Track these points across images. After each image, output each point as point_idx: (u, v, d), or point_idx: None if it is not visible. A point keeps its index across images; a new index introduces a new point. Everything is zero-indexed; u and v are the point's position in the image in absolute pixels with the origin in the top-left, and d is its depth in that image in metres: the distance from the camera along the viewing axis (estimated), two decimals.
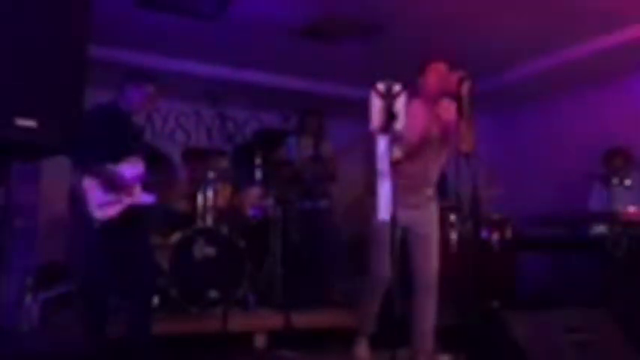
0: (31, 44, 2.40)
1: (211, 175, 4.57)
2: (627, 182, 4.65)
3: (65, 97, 2.49)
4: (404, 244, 3.47)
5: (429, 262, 3.43)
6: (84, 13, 2.60)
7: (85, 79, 2.58)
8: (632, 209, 4.65)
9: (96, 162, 3.23)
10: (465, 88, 3.17)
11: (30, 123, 2.35)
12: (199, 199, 4.56)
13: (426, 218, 3.49)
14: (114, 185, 3.21)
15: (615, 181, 4.64)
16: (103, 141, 3.26)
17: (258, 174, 4.91)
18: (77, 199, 3.20)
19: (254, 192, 4.96)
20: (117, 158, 3.31)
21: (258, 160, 4.93)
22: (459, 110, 3.21)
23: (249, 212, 4.93)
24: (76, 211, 3.26)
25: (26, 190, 4.08)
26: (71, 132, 2.54)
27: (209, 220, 4.52)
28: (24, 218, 4.06)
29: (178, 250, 4.22)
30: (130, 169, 3.34)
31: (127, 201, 3.28)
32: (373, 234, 3.53)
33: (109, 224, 3.19)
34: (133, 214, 3.29)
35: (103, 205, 3.17)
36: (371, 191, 3.67)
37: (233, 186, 4.76)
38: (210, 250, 4.31)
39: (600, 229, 4.75)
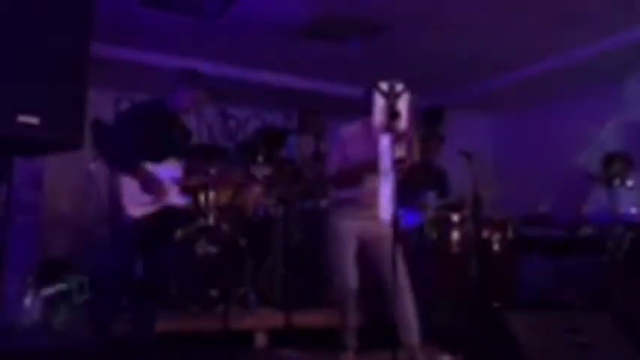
0: (34, 42, 2.41)
1: (213, 173, 4.55)
2: (629, 183, 4.64)
3: (68, 95, 2.50)
4: (364, 254, 3.53)
5: (397, 264, 3.45)
6: (87, 11, 2.61)
7: (88, 76, 2.59)
8: (633, 210, 4.65)
9: (136, 161, 3.23)
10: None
11: (32, 120, 2.36)
12: (201, 197, 4.56)
13: (382, 225, 3.48)
14: (149, 189, 3.22)
15: (617, 182, 4.64)
16: (144, 137, 3.26)
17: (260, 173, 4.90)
18: (112, 193, 3.20)
19: (256, 191, 4.95)
20: (158, 157, 3.32)
21: (260, 159, 4.92)
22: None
23: (251, 211, 4.92)
24: (108, 205, 3.27)
25: (28, 187, 4.08)
26: (73, 129, 2.55)
27: (210, 219, 4.51)
28: (26, 215, 4.06)
29: (180, 248, 4.22)
30: (169, 171, 3.36)
31: (162, 202, 3.29)
32: (333, 241, 3.56)
33: (140, 221, 3.21)
34: (163, 214, 3.31)
35: (138, 203, 3.19)
36: (332, 195, 3.70)
37: (235, 184, 4.75)
38: (211, 249, 4.30)
39: (601, 230, 4.74)
